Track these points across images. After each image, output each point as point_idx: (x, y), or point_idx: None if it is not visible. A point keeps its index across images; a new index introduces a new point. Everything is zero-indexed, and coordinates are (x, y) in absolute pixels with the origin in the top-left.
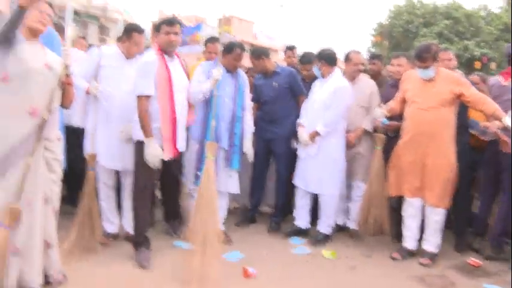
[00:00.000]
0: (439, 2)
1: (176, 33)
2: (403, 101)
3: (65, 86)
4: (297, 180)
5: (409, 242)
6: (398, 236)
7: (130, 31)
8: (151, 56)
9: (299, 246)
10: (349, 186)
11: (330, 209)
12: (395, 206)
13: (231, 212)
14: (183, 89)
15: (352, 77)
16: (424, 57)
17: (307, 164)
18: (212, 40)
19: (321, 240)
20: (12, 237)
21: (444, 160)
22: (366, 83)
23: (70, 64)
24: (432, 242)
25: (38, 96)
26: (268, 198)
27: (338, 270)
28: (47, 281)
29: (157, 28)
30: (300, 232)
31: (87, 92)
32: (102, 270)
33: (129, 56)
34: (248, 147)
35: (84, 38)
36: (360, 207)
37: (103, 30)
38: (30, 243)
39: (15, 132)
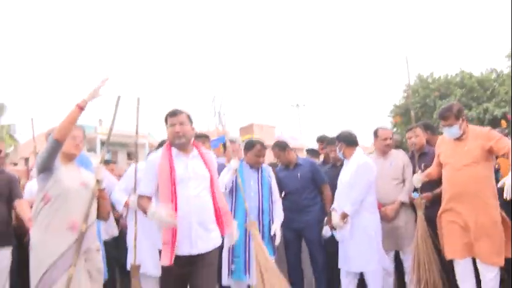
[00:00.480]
0: (448, 74)
1: (181, 123)
2: (439, 165)
3: (99, 199)
4: (341, 264)
5: None
6: None
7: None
8: (156, 153)
9: None
10: (397, 260)
11: (377, 285)
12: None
13: None
14: (199, 182)
15: (382, 152)
16: (446, 116)
17: (345, 245)
18: (231, 141)
19: None
20: None
21: (486, 217)
22: (398, 156)
23: (102, 179)
24: None
25: (76, 212)
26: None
27: None
28: None
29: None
30: None
31: (126, 205)
32: None
33: None
34: (275, 229)
35: (114, 163)
36: (410, 273)
37: (131, 155)
38: None
39: (56, 249)
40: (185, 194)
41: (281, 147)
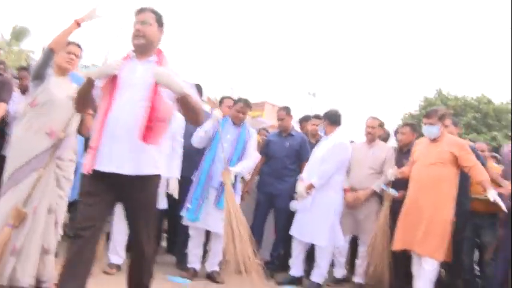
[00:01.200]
0: (468, 95)
1: (143, 22)
2: (413, 164)
3: (85, 115)
4: (294, 231)
5: None
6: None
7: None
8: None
9: None
10: (355, 242)
11: (323, 260)
12: (399, 260)
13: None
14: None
15: (368, 140)
16: (431, 115)
17: (303, 216)
18: (225, 97)
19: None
20: (13, 238)
21: (440, 216)
22: (383, 148)
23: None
24: None
25: (57, 121)
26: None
27: None
28: (38, 286)
29: None
30: (294, 282)
31: None
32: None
33: None
34: (237, 172)
35: None
36: (364, 258)
37: None
38: (28, 245)
39: (33, 147)
40: (122, 101)
41: (288, 111)
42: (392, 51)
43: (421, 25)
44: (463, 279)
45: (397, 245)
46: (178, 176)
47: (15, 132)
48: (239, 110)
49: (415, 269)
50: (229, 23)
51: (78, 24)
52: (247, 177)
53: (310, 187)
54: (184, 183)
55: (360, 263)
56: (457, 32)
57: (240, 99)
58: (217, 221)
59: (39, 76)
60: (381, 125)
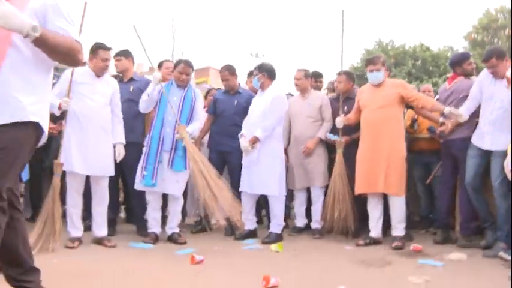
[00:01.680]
0: (407, 45)
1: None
2: (358, 111)
3: None
4: (243, 186)
5: (374, 231)
6: (357, 231)
7: (97, 49)
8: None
9: (251, 245)
10: (307, 191)
11: (278, 209)
12: (358, 203)
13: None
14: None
15: (299, 92)
16: (374, 61)
17: (250, 170)
18: (166, 60)
19: (274, 239)
20: None
21: (396, 154)
22: (317, 97)
23: None
24: (400, 228)
25: None
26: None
27: (281, 257)
28: None
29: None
30: (251, 235)
31: (59, 108)
32: (53, 261)
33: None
34: (189, 133)
35: None
36: (324, 206)
37: None
38: None
39: None
40: None
41: (231, 70)
42: (333, 7)
43: None
44: (420, 216)
45: (360, 189)
46: (123, 141)
47: None
48: (181, 71)
49: (371, 212)
50: None
51: None
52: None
53: (255, 140)
54: (127, 149)
55: (316, 210)
56: None
57: (180, 61)
58: (173, 184)
59: None
60: (307, 75)
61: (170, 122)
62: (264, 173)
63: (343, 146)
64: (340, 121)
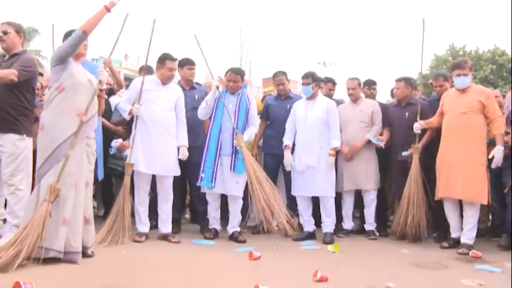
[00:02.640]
0: (481, 49)
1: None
2: (441, 115)
3: (98, 97)
4: (298, 191)
5: (455, 232)
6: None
7: (164, 59)
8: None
9: (308, 245)
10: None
11: (333, 209)
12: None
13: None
14: None
15: (351, 100)
16: (462, 66)
17: (308, 174)
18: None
19: (331, 239)
20: (62, 211)
21: (476, 161)
22: (368, 104)
23: (103, 80)
24: (469, 236)
25: (83, 103)
26: None
27: (336, 256)
28: (84, 252)
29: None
30: (309, 236)
31: (130, 113)
32: (123, 252)
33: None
34: (246, 139)
35: None
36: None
37: None
38: (75, 216)
39: (66, 129)
40: None
41: (287, 75)
42: (402, 14)
43: None
44: (493, 224)
45: (440, 193)
46: (187, 144)
47: (46, 116)
48: (229, 79)
49: (450, 216)
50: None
51: (107, 9)
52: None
53: (335, 150)
54: (193, 153)
55: (369, 213)
56: None
57: (229, 69)
58: (233, 185)
59: (64, 59)
60: (360, 84)
61: (228, 128)
62: (322, 176)
63: (420, 151)
64: (417, 127)
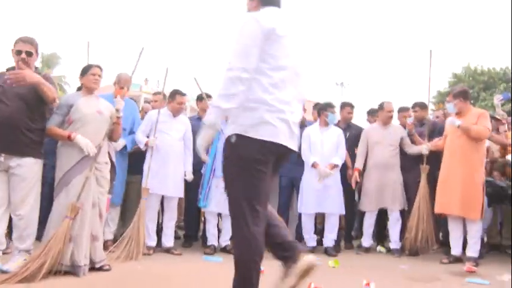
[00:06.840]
0: (498, 67)
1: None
2: (446, 137)
3: (115, 124)
4: (308, 208)
5: (455, 249)
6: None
7: (174, 94)
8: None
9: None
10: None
11: (336, 226)
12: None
13: None
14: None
15: (384, 123)
16: (451, 94)
17: (323, 192)
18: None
19: (331, 252)
20: (69, 229)
21: (472, 179)
22: (397, 128)
23: (120, 109)
24: (474, 249)
25: (91, 132)
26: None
27: (335, 271)
28: (93, 266)
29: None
30: (312, 252)
31: (146, 144)
32: (138, 267)
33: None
34: None
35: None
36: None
37: None
38: (81, 234)
39: (76, 155)
40: None
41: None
42: (418, 32)
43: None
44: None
45: (437, 209)
46: (191, 169)
47: (59, 145)
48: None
49: (451, 228)
50: None
51: (69, 138)
52: None
53: (335, 167)
54: (200, 177)
55: (396, 231)
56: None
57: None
58: (226, 204)
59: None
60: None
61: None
62: (336, 194)
63: (428, 170)
64: (426, 148)
